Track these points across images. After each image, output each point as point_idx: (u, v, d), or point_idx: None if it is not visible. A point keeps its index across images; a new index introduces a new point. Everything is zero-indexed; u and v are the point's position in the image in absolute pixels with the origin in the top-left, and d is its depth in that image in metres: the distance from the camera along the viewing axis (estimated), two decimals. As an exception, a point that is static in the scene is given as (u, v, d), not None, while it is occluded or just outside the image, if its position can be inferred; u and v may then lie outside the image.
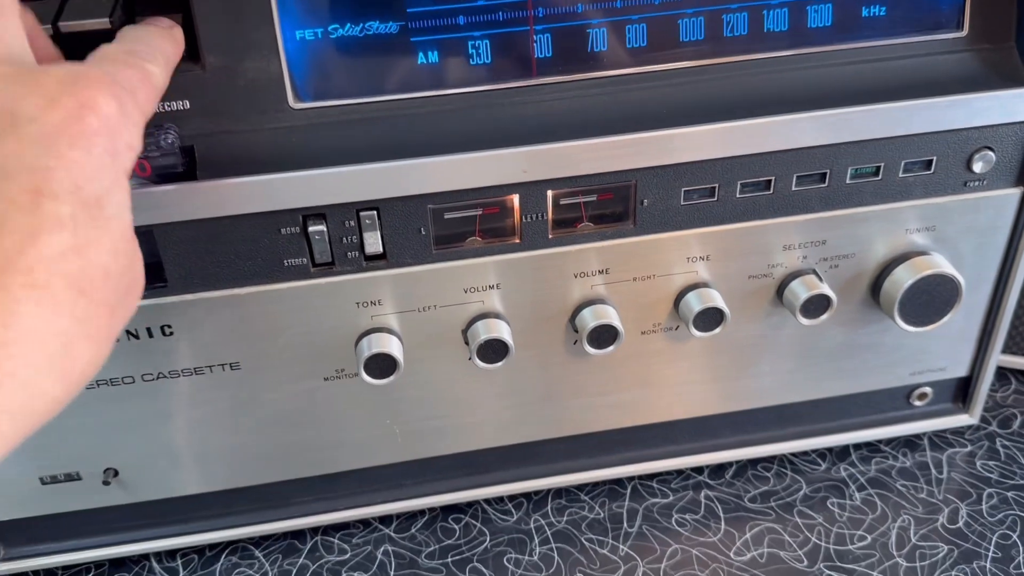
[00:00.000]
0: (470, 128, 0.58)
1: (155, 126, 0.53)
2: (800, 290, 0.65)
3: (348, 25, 0.56)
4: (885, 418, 0.76)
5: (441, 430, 0.69)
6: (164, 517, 0.70)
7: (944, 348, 0.73)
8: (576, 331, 0.64)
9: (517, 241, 0.61)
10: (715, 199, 0.61)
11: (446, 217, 0.59)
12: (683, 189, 0.61)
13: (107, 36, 0.51)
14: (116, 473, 0.66)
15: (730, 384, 0.71)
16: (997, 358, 0.73)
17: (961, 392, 0.77)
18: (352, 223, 0.58)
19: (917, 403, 0.76)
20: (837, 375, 0.72)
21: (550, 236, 0.61)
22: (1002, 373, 0.85)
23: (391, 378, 0.61)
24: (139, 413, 0.63)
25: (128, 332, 0.59)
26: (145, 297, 0.58)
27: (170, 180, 0.55)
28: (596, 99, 0.59)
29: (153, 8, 0.54)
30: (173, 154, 0.53)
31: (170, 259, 0.57)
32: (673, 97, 0.59)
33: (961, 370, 0.74)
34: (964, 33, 0.62)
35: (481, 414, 0.69)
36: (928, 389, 0.75)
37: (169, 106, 0.56)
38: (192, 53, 0.55)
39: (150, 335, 0.60)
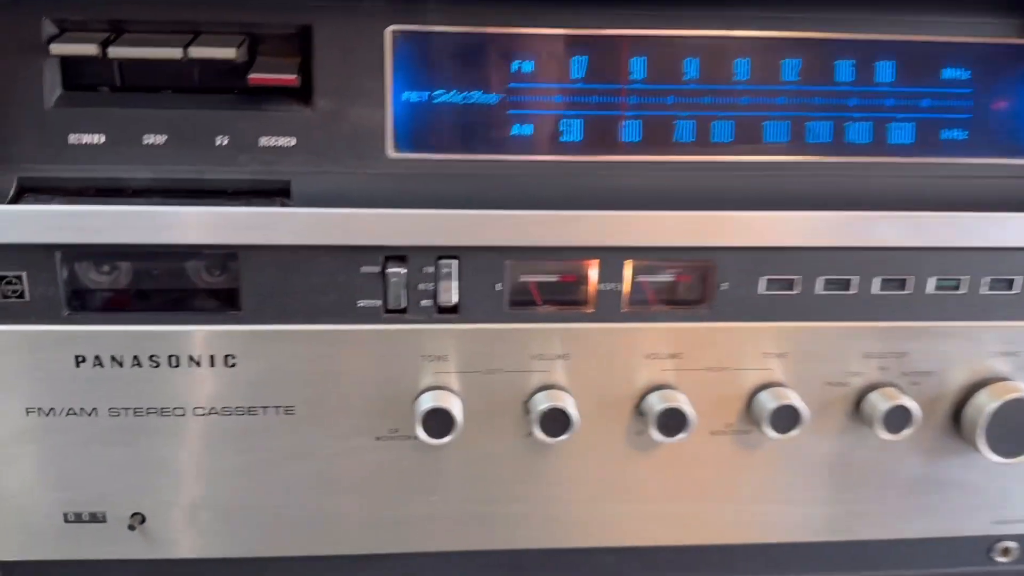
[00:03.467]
0: (556, 193, 0.59)
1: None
2: (880, 401, 0.62)
3: (453, 92, 0.60)
4: (960, 573, 0.70)
5: (484, 518, 0.65)
6: (181, 584, 0.65)
7: (1032, 497, 0.68)
8: (642, 415, 0.61)
9: (591, 311, 0.60)
10: (796, 292, 0.61)
11: (522, 277, 0.59)
12: (763, 277, 0.60)
13: (232, 66, 0.55)
14: (143, 519, 0.62)
15: (799, 509, 0.67)
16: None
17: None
18: (431, 269, 0.58)
19: (1000, 559, 0.70)
20: (914, 513, 0.67)
21: (624, 310, 0.60)
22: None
23: (448, 438, 0.59)
24: (181, 452, 0.61)
25: (191, 358, 0.58)
26: (216, 322, 0.58)
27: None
28: (681, 180, 0.60)
29: (276, 50, 0.58)
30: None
31: (248, 285, 0.58)
32: (756, 186, 0.61)
33: (1052, 526, 0.69)
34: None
35: (529, 503, 0.64)
36: (1013, 544, 0.69)
37: (275, 141, 0.58)
38: (305, 95, 0.58)
39: (212, 363, 0.59)
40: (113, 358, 0.58)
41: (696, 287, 0.61)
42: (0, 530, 0.62)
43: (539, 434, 0.60)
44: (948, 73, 0.63)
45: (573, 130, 0.61)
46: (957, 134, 0.63)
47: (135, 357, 0.58)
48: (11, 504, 0.61)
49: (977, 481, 0.67)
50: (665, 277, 0.60)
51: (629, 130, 0.61)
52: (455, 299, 0.59)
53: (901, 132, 0.63)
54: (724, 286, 0.60)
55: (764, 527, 0.67)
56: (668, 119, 0.61)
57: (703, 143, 0.61)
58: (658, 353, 0.61)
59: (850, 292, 0.61)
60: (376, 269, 0.58)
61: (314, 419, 0.60)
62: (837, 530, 0.68)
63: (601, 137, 0.61)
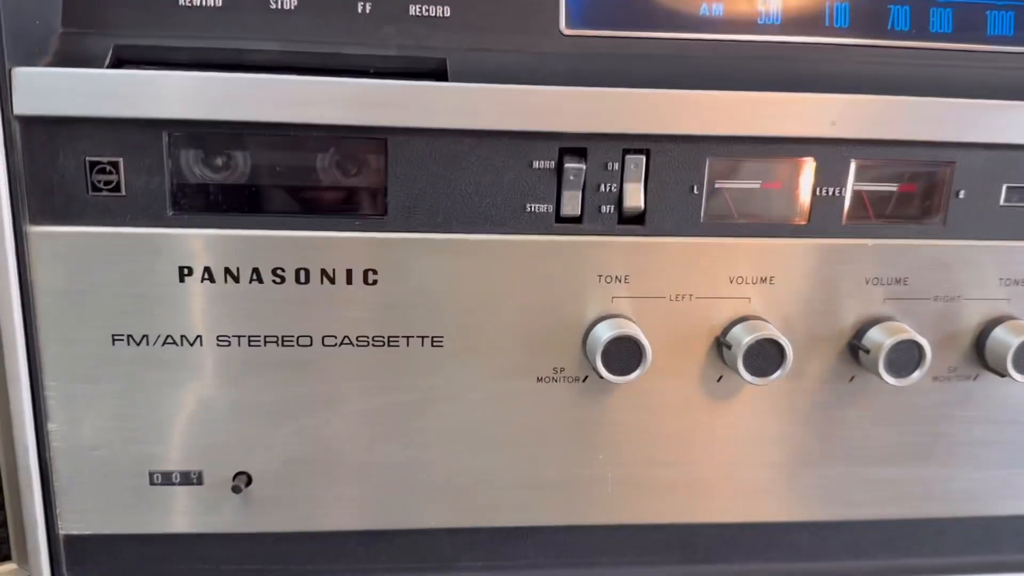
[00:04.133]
0: (763, 76, 0.49)
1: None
2: None
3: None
4: None
5: (659, 484, 0.53)
6: (291, 563, 0.53)
7: None
8: (866, 353, 0.50)
9: (803, 223, 0.50)
10: (1042, 203, 0.51)
11: (723, 180, 0.49)
12: (1005, 185, 0.50)
13: None
14: (249, 480, 0.50)
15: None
16: None
17: None
18: (615, 166, 0.48)
19: None
20: None
21: (844, 222, 0.50)
22: None
23: (634, 374, 0.48)
24: (303, 392, 0.49)
25: (323, 273, 0.47)
26: (355, 228, 0.47)
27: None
28: (897, 68, 0.51)
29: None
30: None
31: (397, 181, 0.47)
32: (983, 77, 0.51)
33: None
34: None
35: (721, 466, 0.53)
36: None
37: (427, 10, 0.48)
38: (465, -43, 0.49)
39: (348, 280, 0.48)
40: (227, 271, 0.47)
41: (928, 196, 0.50)
42: (69, 493, 0.50)
43: (744, 373, 0.49)
44: None
45: (772, 10, 0.51)
46: None
47: (255, 270, 0.47)
48: (85, 459, 0.49)
49: None
50: (891, 183, 0.50)
51: (838, 13, 0.51)
52: (642, 204, 0.48)
53: None
54: (961, 194, 0.50)
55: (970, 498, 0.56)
56: (883, 2, 0.51)
57: (920, 30, 0.52)
58: (880, 278, 0.51)
59: (1105, 206, 0.51)
60: (550, 164, 0.47)
61: (466, 353, 0.49)
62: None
63: (806, 18, 0.51)
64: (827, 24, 0.51)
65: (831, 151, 0.49)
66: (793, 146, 0.49)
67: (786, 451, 0.53)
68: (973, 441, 0.55)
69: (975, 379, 0.53)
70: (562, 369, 0.50)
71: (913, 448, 0.54)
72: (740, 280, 0.50)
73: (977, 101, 0.49)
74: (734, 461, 0.53)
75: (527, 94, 0.46)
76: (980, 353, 0.52)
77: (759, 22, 0.51)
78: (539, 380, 0.50)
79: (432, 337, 0.49)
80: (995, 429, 0.55)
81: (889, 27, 0.52)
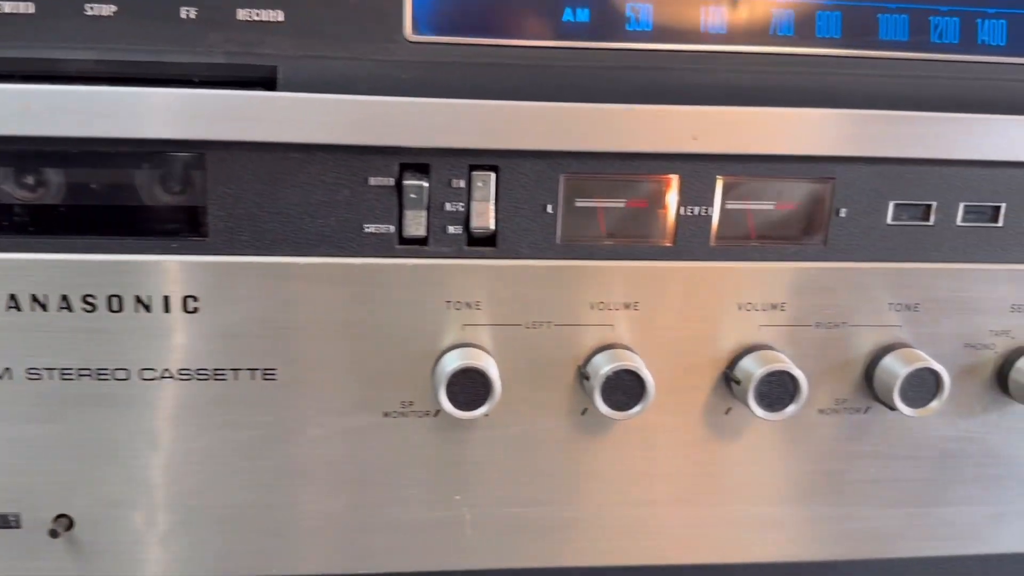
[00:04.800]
0: (623, 87, 0.45)
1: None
2: (1036, 368, 0.48)
3: (489, -38, 0.47)
4: None
5: (528, 525, 0.49)
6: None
7: None
8: (737, 384, 0.47)
9: (668, 244, 0.46)
10: (930, 223, 0.47)
11: (579, 200, 0.45)
12: (892, 202, 0.47)
13: None
14: (71, 524, 0.46)
15: (926, 512, 0.52)
16: None
17: None
18: (461, 183, 0.44)
19: None
20: (1073, 519, 0.53)
21: (713, 244, 0.46)
22: None
23: (481, 410, 0.44)
24: (123, 431, 0.45)
25: (138, 300, 0.43)
26: (173, 251, 0.43)
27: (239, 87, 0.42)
28: (779, 77, 0.47)
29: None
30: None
31: (217, 200, 0.43)
32: (872, 85, 0.47)
33: None
34: None
35: (584, 506, 0.49)
36: None
37: (257, 15, 0.44)
38: (299, -44, 0.45)
39: (166, 308, 0.44)
40: (35, 299, 0.43)
41: (806, 216, 0.47)
42: None
43: (604, 408, 0.45)
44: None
45: (642, 17, 0.47)
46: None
47: (64, 298, 0.43)
48: None
49: None
50: (764, 205, 0.47)
51: (715, 18, 0.48)
52: (492, 225, 0.45)
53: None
54: (843, 212, 0.46)
55: (874, 538, 0.52)
56: (764, 6, 0.48)
57: (805, 36, 0.48)
58: (754, 303, 0.47)
59: (998, 226, 0.48)
60: (389, 181, 0.44)
61: (303, 387, 0.45)
62: (966, 540, 0.53)
63: (680, 24, 0.47)
64: (703, 30, 0.48)
65: (695, 167, 0.45)
66: (655, 162, 0.45)
67: (660, 489, 0.49)
68: (868, 479, 0.51)
69: (866, 412, 0.49)
70: (411, 403, 0.46)
71: (801, 486, 0.50)
72: (602, 306, 0.46)
73: (857, 112, 0.45)
74: (603, 501, 0.49)
75: (361, 105, 0.42)
76: (871, 384, 0.48)
77: (628, 28, 0.47)
78: (386, 415, 0.46)
79: (263, 370, 0.45)
80: (891, 465, 0.51)
81: (771, 32, 0.48)
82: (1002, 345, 0.49)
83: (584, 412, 0.47)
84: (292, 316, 0.44)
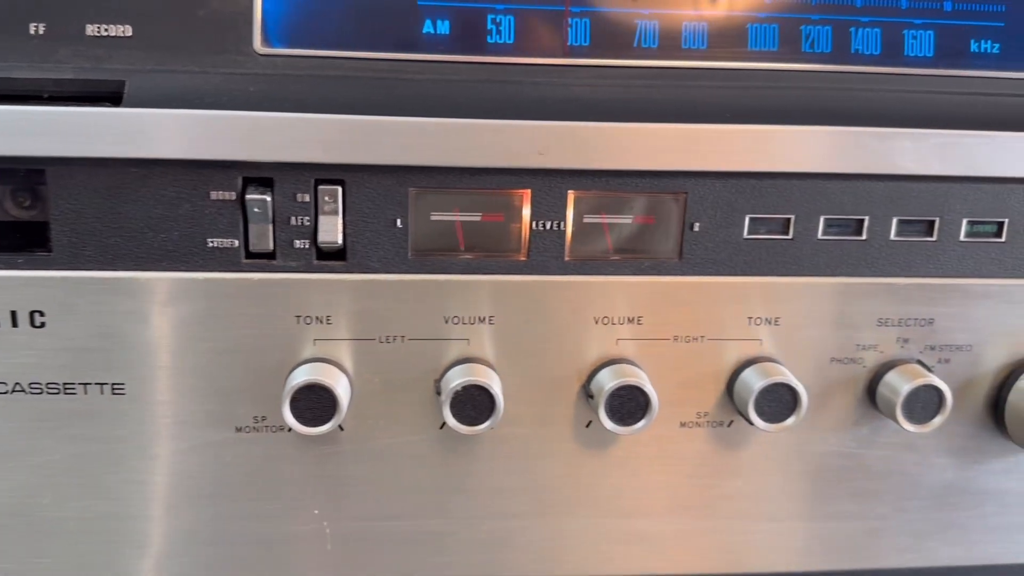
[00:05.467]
0: (477, 101, 0.45)
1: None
2: (900, 382, 0.47)
3: (344, -29, 0.46)
4: (1009, 615, 0.55)
5: (389, 539, 0.49)
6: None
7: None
8: (590, 398, 0.46)
9: (522, 259, 0.46)
10: (790, 237, 0.47)
11: (432, 213, 0.45)
12: (748, 216, 0.46)
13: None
14: (-75, 538, 0.47)
15: (800, 526, 0.52)
16: None
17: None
18: (307, 198, 0.44)
19: (1057, 596, 0.55)
20: (945, 531, 0.52)
21: (567, 258, 0.46)
22: None
23: (326, 426, 0.44)
24: (-24, 445, 0.45)
25: (-18, 314, 0.43)
26: (19, 267, 0.43)
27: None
28: (641, 90, 0.47)
29: (110, -87, 0.45)
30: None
31: (61, 215, 0.43)
32: (740, 98, 0.47)
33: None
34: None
35: (447, 522, 0.49)
36: (1072, 576, 0.54)
37: (105, 29, 0.44)
38: (146, -31, 0.45)
39: (14, 323, 0.44)
40: None
41: (661, 229, 0.46)
42: None
43: (453, 423, 0.45)
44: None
45: (503, 30, 0.47)
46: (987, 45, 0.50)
47: (-97, 313, 0.43)
48: None
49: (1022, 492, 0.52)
50: (620, 219, 0.46)
51: (576, 31, 0.47)
52: (340, 240, 0.44)
53: (919, 42, 0.50)
54: (696, 227, 0.46)
55: (756, 552, 0.52)
56: (627, 18, 0.47)
57: (669, 47, 0.48)
58: (611, 317, 0.47)
59: (862, 239, 0.47)
60: (231, 195, 0.43)
61: (152, 402, 0.45)
62: (849, 555, 0.52)
63: (543, 37, 0.47)
64: (569, 43, 0.47)
65: (546, 182, 0.45)
66: (505, 177, 0.44)
67: (523, 502, 0.49)
68: (738, 493, 0.51)
69: (729, 425, 0.49)
70: (263, 418, 0.46)
71: (669, 499, 0.50)
72: (456, 320, 0.46)
73: (707, 126, 0.44)
74: (466, 515, 0.49)
75: (202, 119, 0.42)
76: (731, 395, 0.48)
77: (489, 41, 0.47)
78: (239, 430, 0.46)
79: (112, 384, 0.45)
80: (762, 480, 0.51)
81: (635, 44, 0.48)
82: (871, 359, 0.49)
83: (442, 426, 0.47)
84: (139, 331, 0.44)
